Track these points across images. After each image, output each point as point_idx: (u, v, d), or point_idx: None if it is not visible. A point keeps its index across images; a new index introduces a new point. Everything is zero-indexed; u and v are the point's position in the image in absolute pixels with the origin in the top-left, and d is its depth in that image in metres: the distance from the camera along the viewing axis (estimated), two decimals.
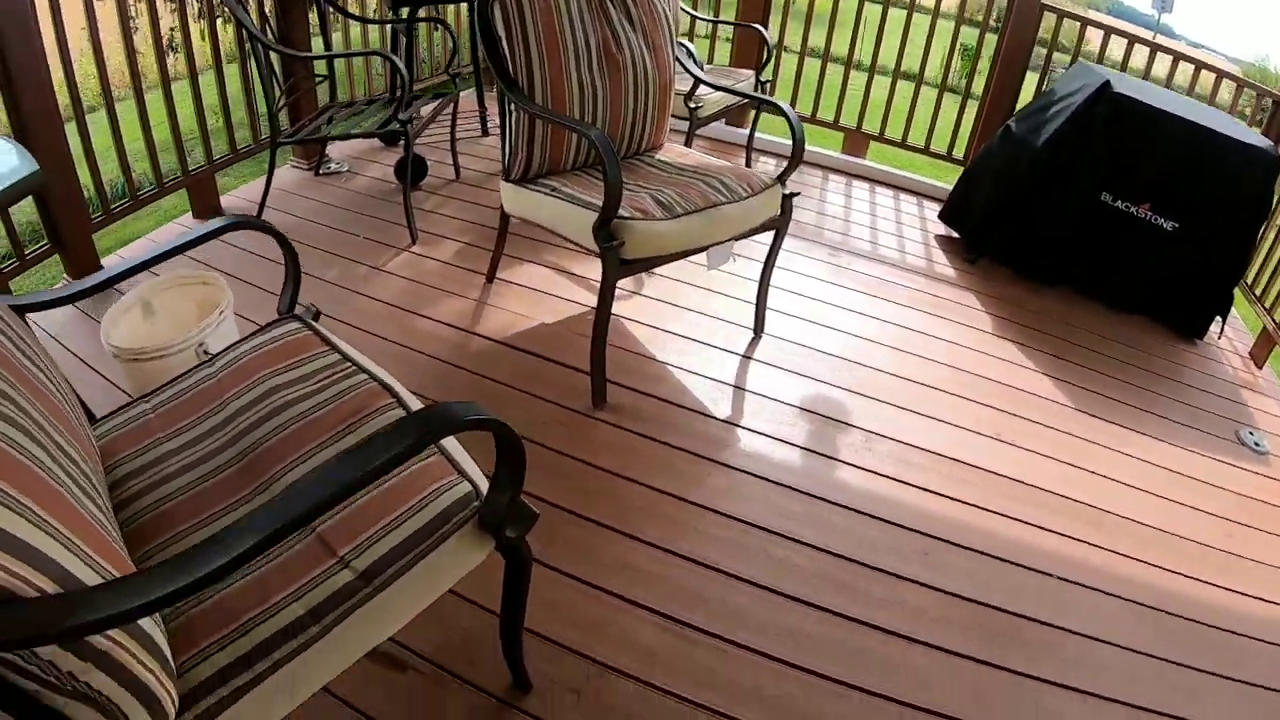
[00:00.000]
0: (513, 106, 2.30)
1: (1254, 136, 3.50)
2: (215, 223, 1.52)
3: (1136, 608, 2.04)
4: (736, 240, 2.39)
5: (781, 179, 2.44)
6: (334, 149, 3.82)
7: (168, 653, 0.93)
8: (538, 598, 1.73)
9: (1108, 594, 2.06)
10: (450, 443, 1.32)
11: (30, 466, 0.84)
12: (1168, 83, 4.18)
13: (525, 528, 1.22)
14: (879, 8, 4.30)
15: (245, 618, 1.03)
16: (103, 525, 0.94)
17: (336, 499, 0.90)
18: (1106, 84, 3.30)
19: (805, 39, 4.46)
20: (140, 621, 0.88)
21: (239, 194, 3.43)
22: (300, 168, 3.62)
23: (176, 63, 3.32)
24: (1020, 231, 3.57)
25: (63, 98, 2.55)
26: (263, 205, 3.13)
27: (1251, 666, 1.95)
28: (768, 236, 2.54)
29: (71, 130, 2.61)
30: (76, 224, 2.65)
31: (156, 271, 2.01)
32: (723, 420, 2.36)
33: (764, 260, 2.62)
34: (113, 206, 2.82)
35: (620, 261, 2.11)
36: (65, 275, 2.75)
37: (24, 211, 3.09)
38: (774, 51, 4.08)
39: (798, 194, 2.54)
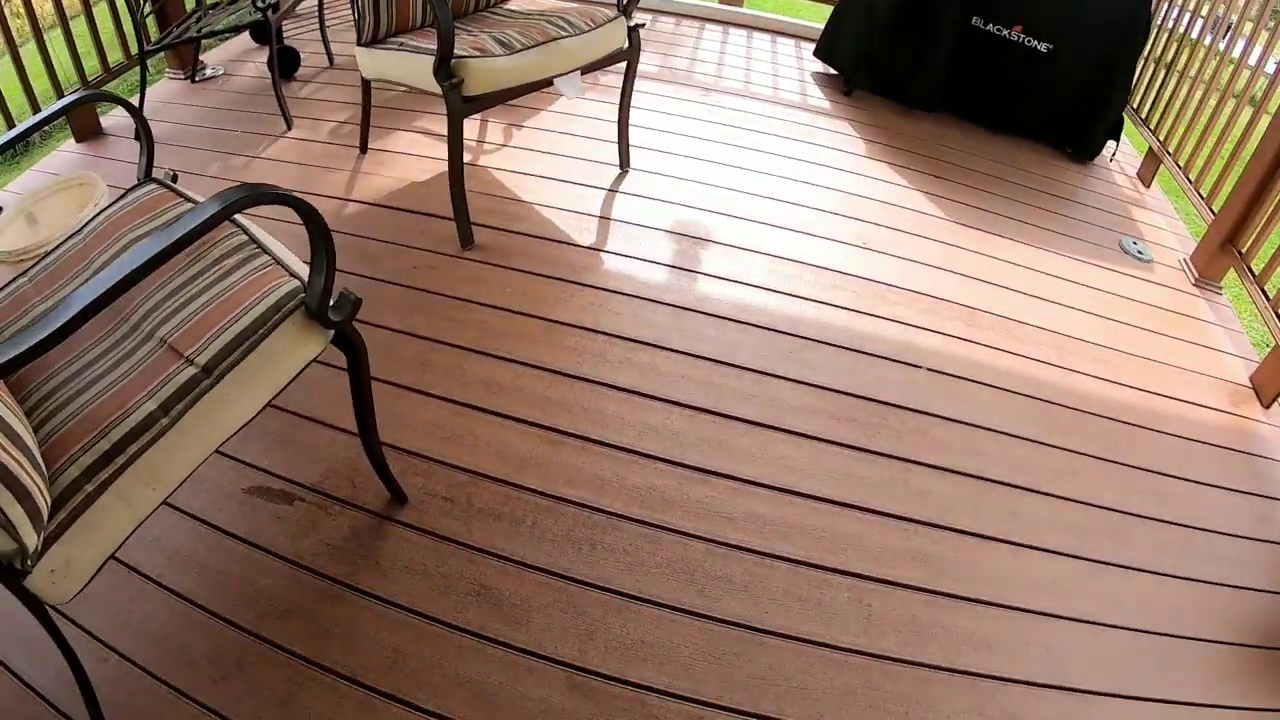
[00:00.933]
0: None
1: None
2: (66, 99, 1.56)
3: (1016, 398, 2.16)
4: (587, 72, 2.43)
5: (626, 10, 2.46)
6: (210, 55, 3.77)
7: (36, 452, 1.04)
8: (412, 419, 1.86)
9: (985, 384, 2.17)
10: (286, 253, 1.42)
11: None
12: None
13: (349, 313, 1.32)
14: None
15: (106, 422, 1.14)
16: None
17: (149, 267, 1.00)
18: None
19: None
20: (3, 415, 0.99)
21: (118, 114, 3.41)
22: (177, 78, 3.58)
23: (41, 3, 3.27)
24: (892, 61, 3.55)
25: None
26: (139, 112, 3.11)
27: (1129, 450, 2.09)
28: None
29: None
30: None
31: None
32: (587, 247, 2.45)
33: (619, 95, 2.65)
34: None
35: (463, 100, 2.17)
36: None
37: None
38: None
39: (644, 24, 2.57)
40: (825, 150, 3.14)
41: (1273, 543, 1.96)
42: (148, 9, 3.19)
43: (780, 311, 2.28)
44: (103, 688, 1.33)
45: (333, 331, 1.33)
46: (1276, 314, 2.66)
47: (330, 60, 3.62)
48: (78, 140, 3.17)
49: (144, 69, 3.10)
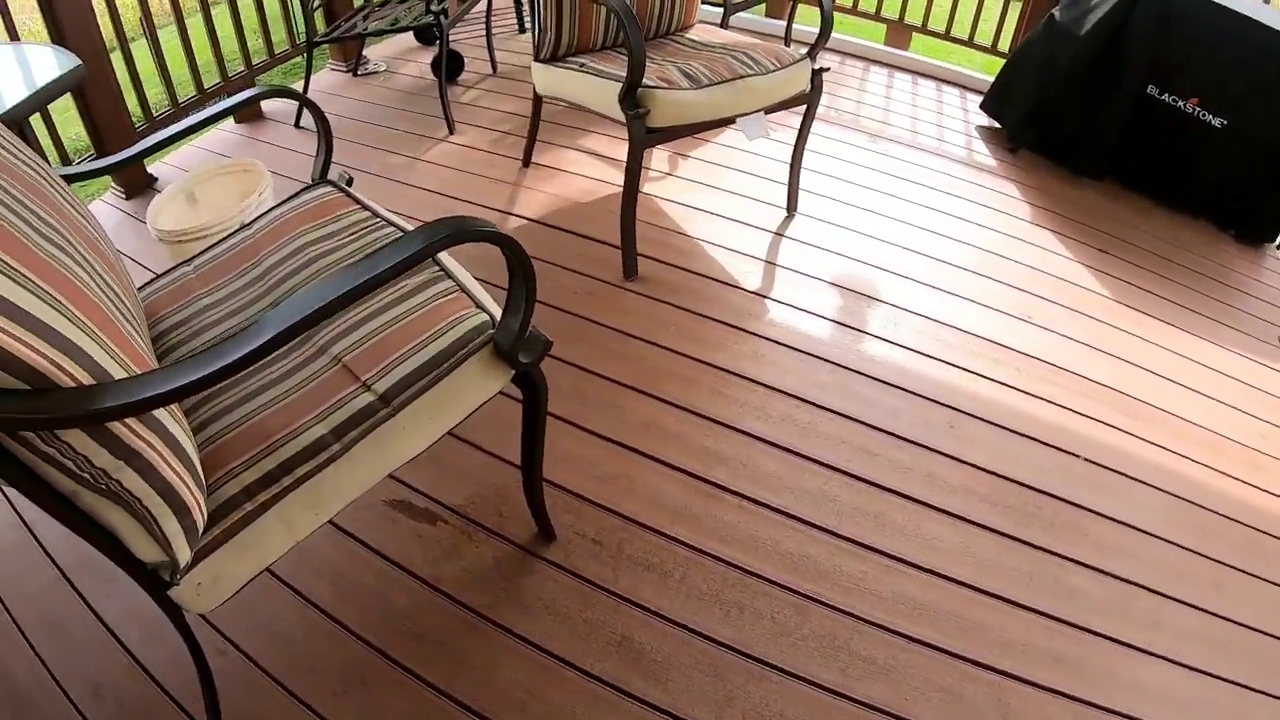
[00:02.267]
0: None
1: None
2: (248, 92, 1.57)
3: (1166, 498, 2.02)
4: (768, 113, 2.37)
5: (811, 54, 2.40)
6: (372, 50, 3.84)
7: (198, 465, 1.01)
8: (565, 453, 1.82)
9: (1137, 480, 2.03)
10: (469, 280, 1.38)
11: (73, 281, 0.91)
12: None
13: (539, 355, 1.27)
14: None
15: (272, 439, 1.11)
16: (141, 348, 1.02)
17: (343, 301, 0.95)
18: None
19: None
20: (171, 430, 0.95)
21: (278, 101, 3.49)
22: (339, 70, 3.65)
23: None
24: (1062, 123, 3.40)
25: (107, 30, 2.61)
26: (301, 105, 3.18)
27: (1278, 565, 1.95)
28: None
29: (117, 59, 2.69)
30: (119, 131, 2.72)
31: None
32: (752, 292, 2.38)
33: (795, 139, 2.59)
34: (156, 115, 2.90)
35: (646, 130, 2.12)
36: (114, 188, 2.84)
37: (73, 127, 3.18)
38: None
39: (828, 69, 2.50)
40: (988, 211, 3.01)
41: None
42: (317, 3, 3.26)
43: (940, 380, 2.17)
44: (219, 680, 1.31)
45: (514, 371, 1.28)
46: None
47: (494, 68, 3.64)
48: (236, 121, 3.25)
49: (310, 60, 3.16)
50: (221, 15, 3.11)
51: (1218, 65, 3.16)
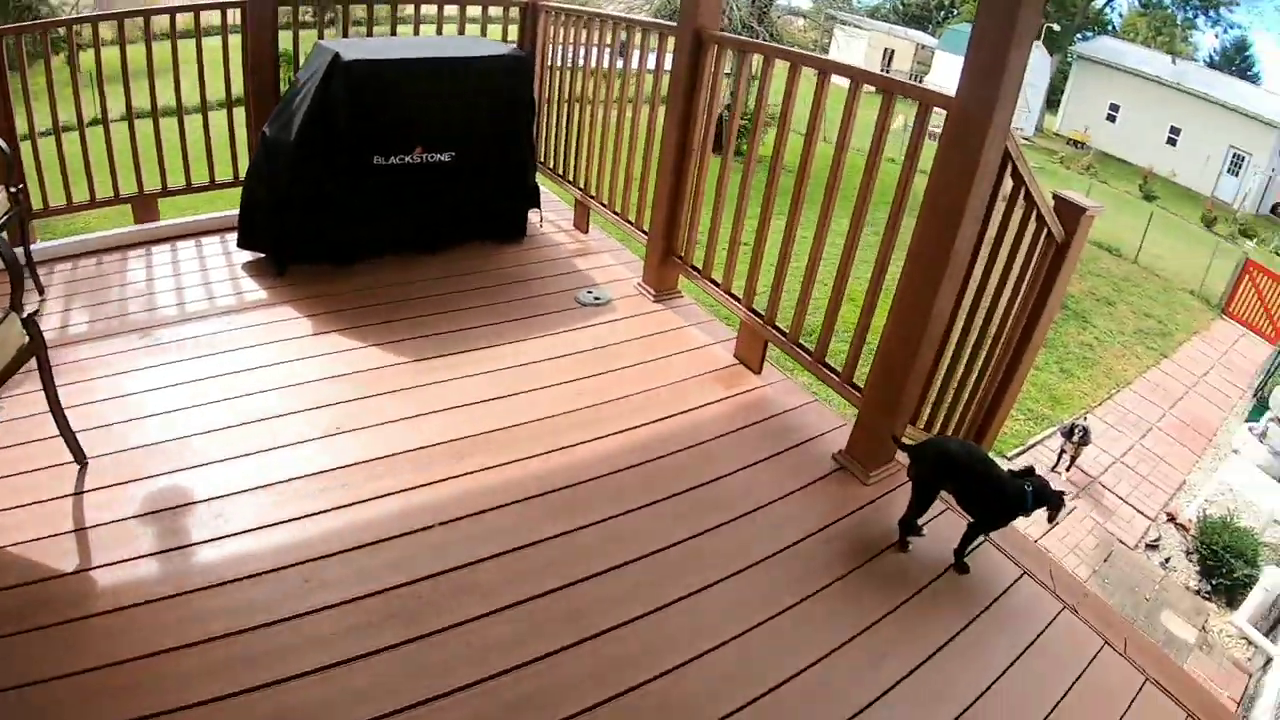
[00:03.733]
0: None
1: (500, 48, 3.90)
2: None
3: (514, 507, 2.38)
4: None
5: (14, 307, 2.30)
6: None
7: None
8: None
9: (485, 511, 2.36)
10: None
11: None
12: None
13: None
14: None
15: None
16: None
17: None
18: (336, 56, 3.39)
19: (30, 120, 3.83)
20: None
21: None
22: None
23: None
24: (309, 227, 3.58)
25: None
26: None
27: (676, 478, 2.54)
28: None
29: None
30: None
31: None
32: (74, 572, 2.16)
33: (42, 388, 2.38)
34: None
35: None
36: None
37: None
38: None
39: (37, 311, 2.40)
40: (274, 347, 3.10)
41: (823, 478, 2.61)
42: None
43: (285, 542, 2.25)
44: None
45: None
46: (730, 294, 3.27)
47: None
48: None
49: None
50: None
51: (418, 110, 3.61)
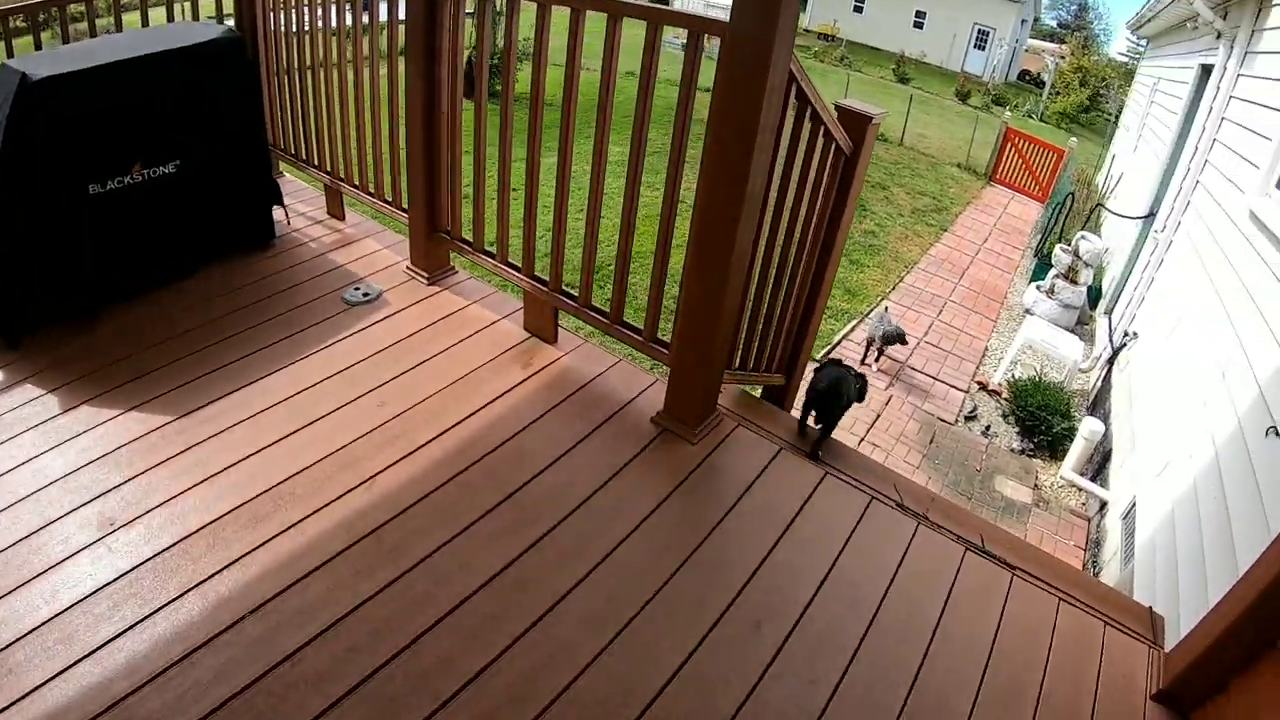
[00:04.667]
0: None
1: (210, 30, 3.36)
2: None
3: (333, 565, 2.12)
4: None
5: None
6: None
7: None
8: None
9: (296, 583, 2.06)
10: None
11: None
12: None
13: None
14: None
15: None
16: None
17: None
18: (24, 77, 2.82)
19: None
20: None
21: None
22: None
23: None
24: (33, 286, 2.99)
25: None
26: None
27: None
28: None
29: None
30: None
31: None
32: None
33: None
34: None
35: None
36: None
37: None
38: None
39: None
40: (15, 444, 2.46)
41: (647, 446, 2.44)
42: None
43: (88, 687, 1.81)
44: None
45: None
46: (508, 264, 3.04)
47: None
48: None
49: None
50: None
51: (129, 121, 3.10)
